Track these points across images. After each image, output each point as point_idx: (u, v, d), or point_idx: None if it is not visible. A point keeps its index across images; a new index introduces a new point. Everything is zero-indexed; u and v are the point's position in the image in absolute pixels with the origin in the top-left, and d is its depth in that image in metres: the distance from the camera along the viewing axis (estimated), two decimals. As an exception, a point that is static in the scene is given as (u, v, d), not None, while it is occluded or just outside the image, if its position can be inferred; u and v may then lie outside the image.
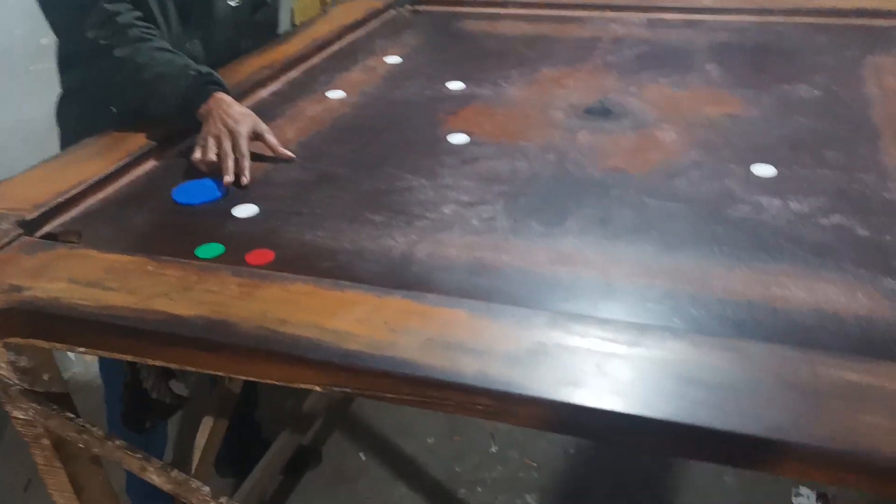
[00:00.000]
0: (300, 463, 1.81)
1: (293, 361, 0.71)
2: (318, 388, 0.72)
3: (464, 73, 1.40)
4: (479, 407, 0.66)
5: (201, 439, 1.34)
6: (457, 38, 1.64)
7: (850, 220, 0.89)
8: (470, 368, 0.67)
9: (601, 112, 1.20)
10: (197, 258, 0.88)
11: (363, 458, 1.89)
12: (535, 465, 1.86)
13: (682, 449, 0.65)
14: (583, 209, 0.95)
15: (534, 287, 0.81)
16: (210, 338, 0.73)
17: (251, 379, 0.77)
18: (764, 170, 1.00)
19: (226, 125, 1.08)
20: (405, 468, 1.86)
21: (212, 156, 1.07)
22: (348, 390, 0.71)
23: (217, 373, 0.76)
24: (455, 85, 1.36)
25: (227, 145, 1.07)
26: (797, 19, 1.57)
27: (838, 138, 1.08)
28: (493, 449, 1.91)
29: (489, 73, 1.40)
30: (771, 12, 1.60)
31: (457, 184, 1.02)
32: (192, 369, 0.78)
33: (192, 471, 1.31)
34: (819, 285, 0.79)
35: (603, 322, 0.71)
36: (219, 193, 1.04)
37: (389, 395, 0.69)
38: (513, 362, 0.67)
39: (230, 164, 1.05)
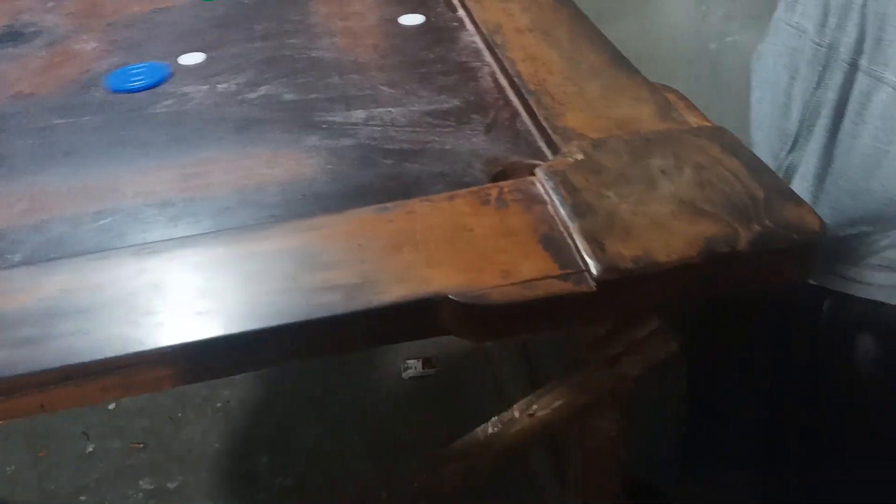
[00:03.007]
0: None
1: None
2: None
3: None
4: None
5: None
6: None
7: (277, 88, 0.84)
8: None
9: (11, 37, 1.03)
10: None
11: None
12: (141, 445, 1.70)
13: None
14: (-23, 150, 0.78)
15: None
16: None
17: None
18: (191, 58, 0.91)
19: None
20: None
21: None
22: None
23: None
24: None
25: None
26: None
27: (269, 8, 1.02)
28: (90, 448, 1.70)
29: None
30: None
31: None
32: None
33: None
34: (242, 162, 0.73)
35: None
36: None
37: None
38: None
39: None
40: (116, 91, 0.87)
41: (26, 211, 0.69)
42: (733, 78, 1.52)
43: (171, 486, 1.62)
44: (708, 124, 0.62)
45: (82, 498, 1.60)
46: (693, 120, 0.62)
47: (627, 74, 0.73)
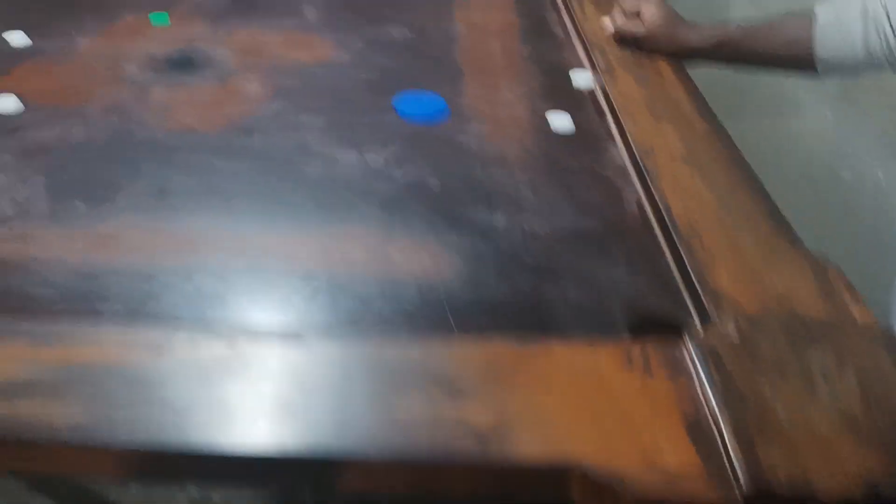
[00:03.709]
0: None
1: None
2: None
3: (28, 21, 1.18)
4: None
5: None
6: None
7: (422, 170, 0.85)
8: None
9: (183, 63, 1.07)
10: None
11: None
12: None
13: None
14: (138, 180, 0.82)
15: (62, 285, 0.67)
16: None
17: None
18: (343, 120, 0.93)
19: None
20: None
21: None
22: None
23: None
24: (15, 37, 1.13)
25: None
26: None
27: (421, 80, 1.03)
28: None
29: (60, 21, 1.19)
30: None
31: (-12, 163, 0.84)
32: None
33: None
34: (384, 247, 0.73)
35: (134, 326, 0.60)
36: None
37: None
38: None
39: None
40: (402, 115, 0.95)
41: (178, 253, 0.71)
42: (869, 219, 1.42)
43: (216, 498, 1.64)
44: (874, 322, 0.59)
45: (133, 489, 1.65)
46: (857, 311, 0.60)
47: (787, 236, 0.71)
